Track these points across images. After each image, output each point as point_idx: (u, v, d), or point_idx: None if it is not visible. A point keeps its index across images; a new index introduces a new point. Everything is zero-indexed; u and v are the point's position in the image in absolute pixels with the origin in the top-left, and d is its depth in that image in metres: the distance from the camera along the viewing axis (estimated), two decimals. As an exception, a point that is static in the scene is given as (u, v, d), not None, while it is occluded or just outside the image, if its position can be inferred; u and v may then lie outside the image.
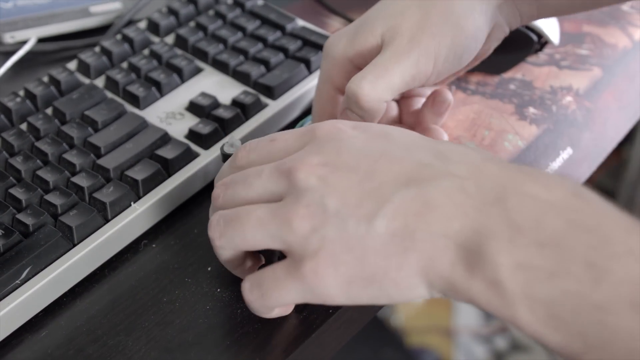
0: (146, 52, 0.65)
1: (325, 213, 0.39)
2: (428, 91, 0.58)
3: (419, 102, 0.58)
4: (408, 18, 0.50)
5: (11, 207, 0.52)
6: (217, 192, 0.45)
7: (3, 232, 0.50)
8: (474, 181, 0.38)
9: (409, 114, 0.58)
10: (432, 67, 0.50)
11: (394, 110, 0.58)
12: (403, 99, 0.58)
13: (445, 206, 0.37)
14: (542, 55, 0.67)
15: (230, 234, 0.43)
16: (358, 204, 0.39)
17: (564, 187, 0.37)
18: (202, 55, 0.65)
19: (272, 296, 0.42)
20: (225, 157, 0.51)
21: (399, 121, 0.58)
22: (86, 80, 0.64)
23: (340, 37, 0.53)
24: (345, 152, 0.41)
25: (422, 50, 0.49)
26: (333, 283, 0.39)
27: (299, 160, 0.41)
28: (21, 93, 0.62)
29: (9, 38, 0.72)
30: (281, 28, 0.66)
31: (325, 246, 0.39)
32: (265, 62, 0.63)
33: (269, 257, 0.48)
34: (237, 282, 0.48)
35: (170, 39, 0.67)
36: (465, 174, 0.38)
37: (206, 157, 0.56)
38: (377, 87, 0.49)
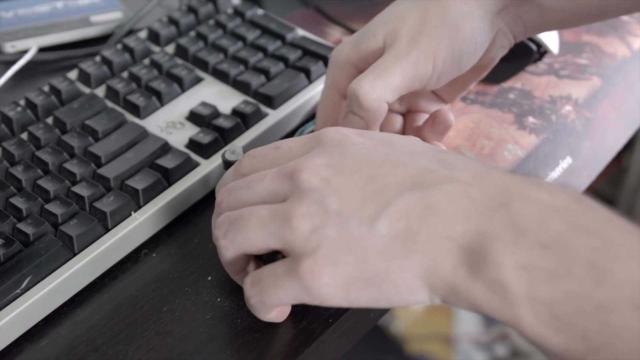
0: (146, 61, 0.65)
1: (327, 213, 0.39)
2: (434, 108, 0.58)
3: (423, 118, 0.58)
4: (408, 22, 0.51)
5: (11, 217, 0.52)
6: (220, 198, 0.45)
7: (3, 241, 0.50)
8: (478, 187, 0.38)
9: (411, 129, 0.58)
10: (432, 68, 0.50)
11: (398, 123, 0.58)
12: (409, 114, 0.59)
13: (448, 210, 0.38)
14: (541, 65, 0.67)
15: (233, 234, 0.43)
16: (361, 205, 0.39)
17: (566, 193, 0.37)
18: (203, 64, 0.65)
19: (269, 293, 0.42)
20: (226, 164, 0.52)
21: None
22: (87, 90, 0.64)
23: (345, 44, 0.54)
24: (349, 157, 0.42)
25: (421, 52, 0.50)
26: (331, 283, 0.39)
27: (302, 162, 0.42)
28: (22, 102, 0.62)
29: (10, 47, 0.72)
30: (281, 38, 0.66)
31: (324, 245, 0.39)
32: (265, 72, 0.63)
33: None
34: (237, 291, 0.48)
35: (170, 48, 0.68)
36: (470, 180, 0.39)
37: (206, 166, 0.56)
38: (376, 87, 0.49)
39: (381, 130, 0.57)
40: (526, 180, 0.38)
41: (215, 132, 0.58)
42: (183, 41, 0.67)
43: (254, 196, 0.43)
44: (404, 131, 0.58)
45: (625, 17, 0.72)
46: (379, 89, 0.49)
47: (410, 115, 0.59)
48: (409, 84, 0.50)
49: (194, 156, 0.57)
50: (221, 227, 0.44)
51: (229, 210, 0.44)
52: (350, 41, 0.53)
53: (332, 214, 0.39)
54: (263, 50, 0.65)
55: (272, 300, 0.42)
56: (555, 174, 0.60)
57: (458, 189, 0.38)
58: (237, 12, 0.70)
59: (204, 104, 0.61)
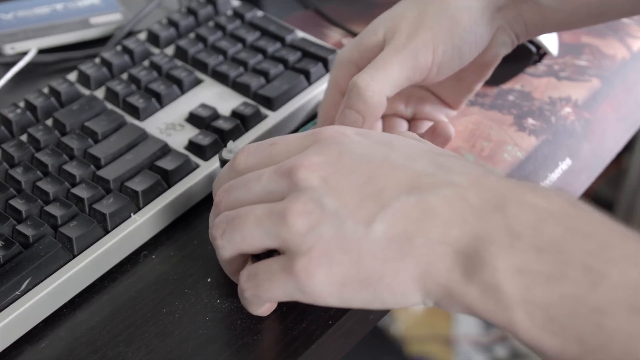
0: (146, 63, 0.65)
1: (323, 212, 0.40)
2: (442, 116, 0.59)
3: (427, 126, 0.59)
4: (407, 17, 0.51)
5: (11, 219, 0.52)
6: (218, 199, 0.45)
7: (3, 243, 0.50)
8: (475, 191, 0.38)
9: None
10: (432, 58, 0.50)
11: (403, 128, 0.59)
12: (414, 121, 0.59)
13: (445, 214, 0.38)
14: (540, 67, 0.67)
15: (231, 233, 0.43)
16: (358, 206, 0.39)
17: (561, 198, 0.37)
18: (202, 66, 0.65)
19: (264, 288, 0.42)
20: (223, 163, 0.52)
21: None
22: (86, 92, 0.64)
23: (347, 45, 0.54)
24: (347, 156, 0.42)
25: (420, 42, 0.50)
26: (325, 282, 0.39)
27: (300, 160, 0.42)
28: (21, 104, 0.62)
29: (9, 49, 0.72)
30: (281, 39, 0.66)
31: (320, 245, 0.39)
32: (264, 74, 0.63)
33: None
34: (236, 293, 0.48)
35: (170, 50, 0.68)
36: (466, 184, 0.39)
37: (206, 168, 0.56)
38: (377, 79, 0.49)
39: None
40: (522, 184, 0.39)
41: (214, 133, 0.58)
42: (183, 43, 0.67)
43: (252, 195, 0.43)
44: None
45: (625, 19, 0.72)
46: (380, 81, 0.49)
47: (415, 123, 0.59)
48: (409, 75, 0.50)
49: (194, 158, 0.57)
50: (219, 227, 0.44)
51: (227, 210, 0.44)
52: (352, 41, 0.54)
53: (328, 213, 0.39)
54: (262, 52, 0.65)
55: (266, 295, 0.42)
56: (554, 175, 0.60)
57: (455, 193, 0.38)
58: (237, 14, 0.70)
59: (203, 105, 0.61)
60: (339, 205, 0.39)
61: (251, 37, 0.67)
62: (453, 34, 0.50)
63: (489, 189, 0.38)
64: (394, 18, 0.52)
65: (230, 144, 0.52)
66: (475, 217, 0.37)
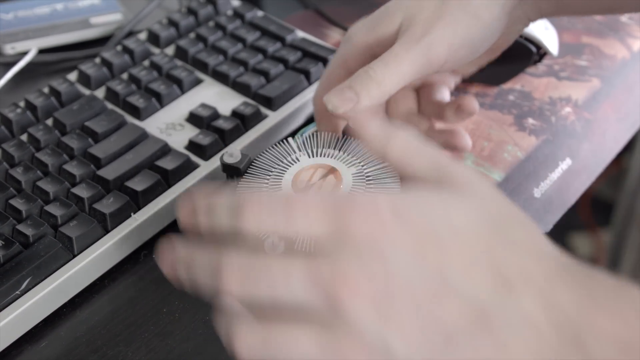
0: (146, 63, 0.65)
1: (390, 356, 0.33)
2: (451, 81, 0.59)
3: (439, 91, 0.58)
4: (426, 9, 0.50)
5: (11, 218, 0.52)
6: (227, 275, 0.34)
7: (3, 243, 0.50)
8: (547, 316, 0.34)
9: (428, 104, 0.57)
10: (446, 54, 0.49)
11: (411, 100, 0.58)
12: (423, 88, 0.58)
13: (522, 354, 0.33)
14: (541, 67, 0.67)
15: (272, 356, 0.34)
16: (425, 346, 0.33)
17: (637, 312, 0.33)
18: (202, 66, 0.65)
19: None
20: (224, 166, 0.51)
21: (418, 111, 0.58)
22: (86, 91, 0.64)
23: (363, 24, 0.53)
24: (394, 271, 0.34)
25: (435, 38, 0.49)
26: None
27: (341, 274, 0.33)
28: (22, 104, 0.62)
29: (10, 49, 0.72)
30: (281, 39, 0.66)
31: None
32: (265, 73, 0.63)
33: None
34: (236, 293, 0.48)
35: (170, 50, 0.68)
36: (533, 308, 0.34)
37: (206, 168, 0.56)
38: (387, 75, 0.49)
39: (394, 108, 0.57)
40: (593, 297, 0.34)
41: (215, 133, 0.58)
42: (183, 43, 0.67)
43: (276, 298, 0.34)
44: (419, 108, 0.58)
45: (624, 19, 0.72)
46: (389, 78, 0.49)
47: (424, 90, 0.58)
48: (420, 70, 0.50)
49: (194, 157, 0.57)
50: (245, 346, 0.34)
51: (242, 299, 0.35)
52: (368, 22, 0.53)
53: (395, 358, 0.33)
54: (263, 51, 0.65)
55: None
56: (554, 175, 0.60)
57: (528, 328, 0.33)
58: (237, 14, 0.70)
59: (203, 105, 0.61)
60: (406, 349, 0.33)
61: (251, 37, 0.67)
62: (471, 31, 0.50)
63: (561, 311, 0.33)
64: (412, 7, 0.51)
65: (230, 147, 0.52)
66: (554, 351, 0.33)
